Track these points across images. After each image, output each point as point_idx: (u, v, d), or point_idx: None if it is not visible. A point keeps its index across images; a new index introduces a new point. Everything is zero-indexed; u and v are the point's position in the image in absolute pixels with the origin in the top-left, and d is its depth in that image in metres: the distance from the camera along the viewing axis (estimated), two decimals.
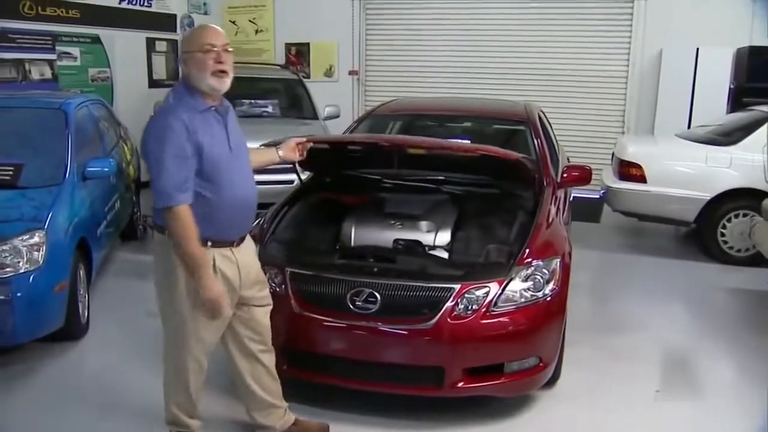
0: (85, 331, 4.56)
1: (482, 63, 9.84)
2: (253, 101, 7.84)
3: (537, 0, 9.50)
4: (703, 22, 8.61)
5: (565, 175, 4.73)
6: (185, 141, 2.71)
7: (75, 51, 8.16)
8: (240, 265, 2.96)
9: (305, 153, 3.47)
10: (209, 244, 2.85)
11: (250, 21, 10.89)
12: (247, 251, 3.06)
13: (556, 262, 3.60)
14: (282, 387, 3.72)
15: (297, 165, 4.54)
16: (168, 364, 3.07)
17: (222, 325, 3.00)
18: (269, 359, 3.25)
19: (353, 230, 3.94)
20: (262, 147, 3.54)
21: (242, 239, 3.02)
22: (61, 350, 4.32)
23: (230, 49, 2.87)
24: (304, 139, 3.49)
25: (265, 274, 3.58)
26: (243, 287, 3.00)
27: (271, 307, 3.23)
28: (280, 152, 3.38)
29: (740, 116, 7.06)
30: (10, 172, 4.57)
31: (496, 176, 4.31)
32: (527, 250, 3.61)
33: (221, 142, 2.87)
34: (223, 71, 2.82)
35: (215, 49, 2.80)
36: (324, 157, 4.00)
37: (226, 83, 2.85)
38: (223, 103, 2.95)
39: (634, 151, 6.76)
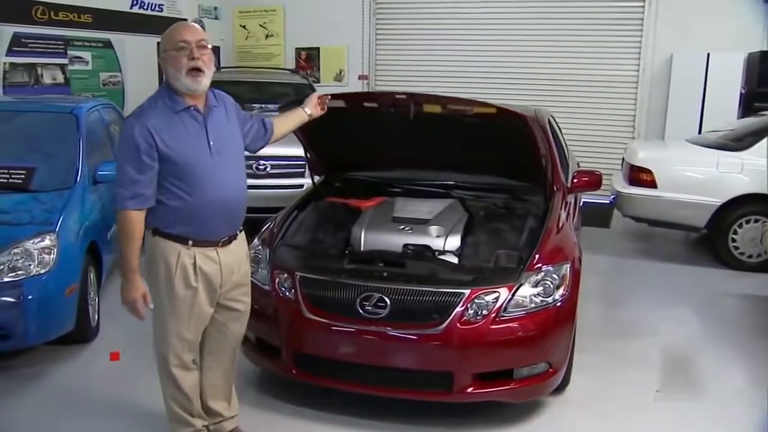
0: (95, 334, 4.58)
1: (492, 67, 9.84)
2: (263, 105, 7.86)
3: (547, 5, 9.49)
4: (714, 27, 8.58)
5: (575, 180, 4.72)
6: (146, 149, 2.75)
7: (86, 55, 8.21)
8: (223, 266, 2.97)
9: (326, 108, 3.50)
10: (190, 243, 2.88)
11: (261, 26, 10.92)
12: (234, 253, 3.04)
13: (566, 268, 3.59)
14: (290, 390, 3.75)
15: (309, 170, 4.59)
16: (157, 358, 3.10)
17: (200, 323, 3.02)
18: (229, 367, 3.25)
19: (363, 235, 3.94)
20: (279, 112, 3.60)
21: (230, 239, 3.01)
22: (71, 353, 4.34)
23: (206, 45, 2.85)
24: (324, 94, 3.55)
25: (275, 278, 3.63)
26: (224, 286, 3.01)
27: (247, 317, 3.22)
28: (307, 110, 3.43)
29: (751, 121, 7.03)
30: (22, 176, 4.60)
31: (503, 145, 4.10)
32: (537, 256, 3.61)
33: (198, 144, 2.86)
34: (197, 69, 2.80)
35: (189, 46, 2.79)
36: (338, 118, 4.01)
37: (202, 82, 2.83)
38: (208, 102, 2.93)
39: (644, 156, 6.73)
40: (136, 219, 2.81)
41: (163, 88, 2.90)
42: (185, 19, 9.83)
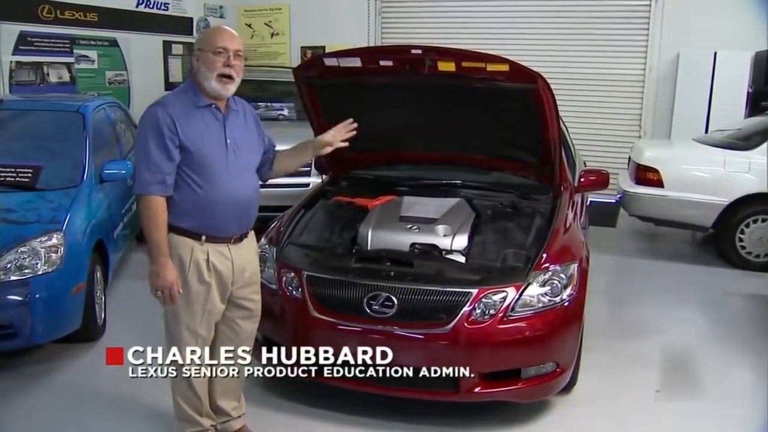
0: (101, 333, 4.58)
1: None
2: (268, 104, 7.85)
3: (552, 4, 9.46)
4: (720, 26, 8.52)
5: (582, 179, 4.71)
6: (169, 135, 2.81)
7: (92, 54, 8.21)
8: (234, 263, 3.00)
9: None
10: (203, 238, 2.92)
11: (266, 24, 10.91)
12: (246, 251, 3.08)
13: (573, 267, 3.58)
14: (296, 389, 3.74)
15: (315, 167, 4.58)
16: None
17: (212, 319, 3.04)
18: (239, 366, 3.25)
19: (370, 234, 3.93)
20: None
21: (241, 237, 3.04)
22: (77, 351, 4.34)
23: (241, 54, 2.92)
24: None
25: (282, 277, 3.63)
26: (235, 283, 3.04)
27: (259, 316, 3.23)
28: (320, 147, 3.22)
29: (759, 120, 6.99)
30: (29, 174, 4.60)
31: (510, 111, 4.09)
32: (545, 255, 3.60)
33: (216, 140, 2.91)
34: (229, 76, 2.87)
35: (227, 52, 2.86)
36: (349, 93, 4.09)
37: (230, 89, 2.91)
38: (230, 104, 2.98)
39: (651, 155, 6.71)
40: (162, 204, 2.85)
41: (189, 83, 2.96)
42: (190, 18, 9.87)
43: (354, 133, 3.25)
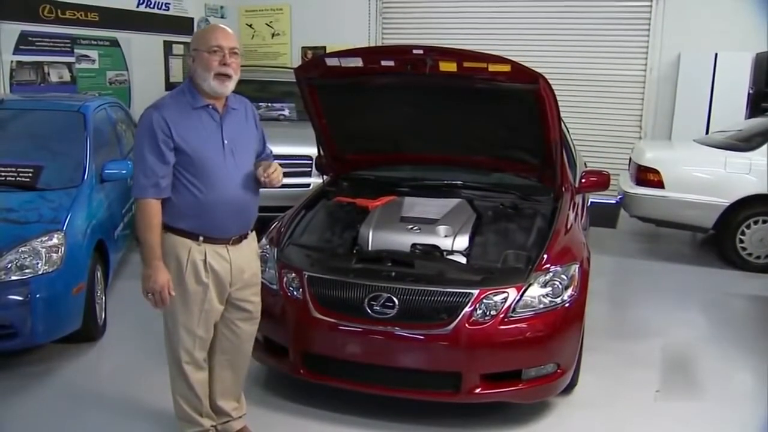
0: (102, 333, 4.58)
1: None
2: (269, 104, 7.85)
3: (553, 5, 9.46)
4: (721, 27, 8.53)
5: (583, 180, 4.71)
6: (163, 138, 2.80)
7: (93, 54, 8.21)
8: (233, 264, 2.99)
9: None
10: (201, 239, 2.91)
11: (267, 25, 10.91)
12: (245, 252, 3.07)
13: (574, 268, 3.58)
14: (297, 390, 3.74)
15: (315, 167, 4.59)
16: (168, 355, 3.10)
17: (210, 320, 3.03)
18: (240, 367, 3.26)
19: (371, 234, 3.92)
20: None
21: (241, 238, 3.03)
22: (78, 351, 4.34)
23: (237, 52, 2.90)
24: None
25: (283, 277, 3.62)
26: (234, 285, 3.02)
27: (258, 318, 3.22)
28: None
29: (759, 122, 6.99)
30: (30, 174, 4.60)
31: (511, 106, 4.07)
32: (546, 256, 3.59)
33: (213, 141, 2.90)
34: (226, 74, 2.85)
35: (222, 51, 2.84)
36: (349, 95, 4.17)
37: (228, 87, 2.89)
38: (228, 103, 2.97)
39: (651, 156, 6.71)
40: (157, 207, 2.85)
41: (186, 84, 2.94)
42: (191, 18, 9.87)
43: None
